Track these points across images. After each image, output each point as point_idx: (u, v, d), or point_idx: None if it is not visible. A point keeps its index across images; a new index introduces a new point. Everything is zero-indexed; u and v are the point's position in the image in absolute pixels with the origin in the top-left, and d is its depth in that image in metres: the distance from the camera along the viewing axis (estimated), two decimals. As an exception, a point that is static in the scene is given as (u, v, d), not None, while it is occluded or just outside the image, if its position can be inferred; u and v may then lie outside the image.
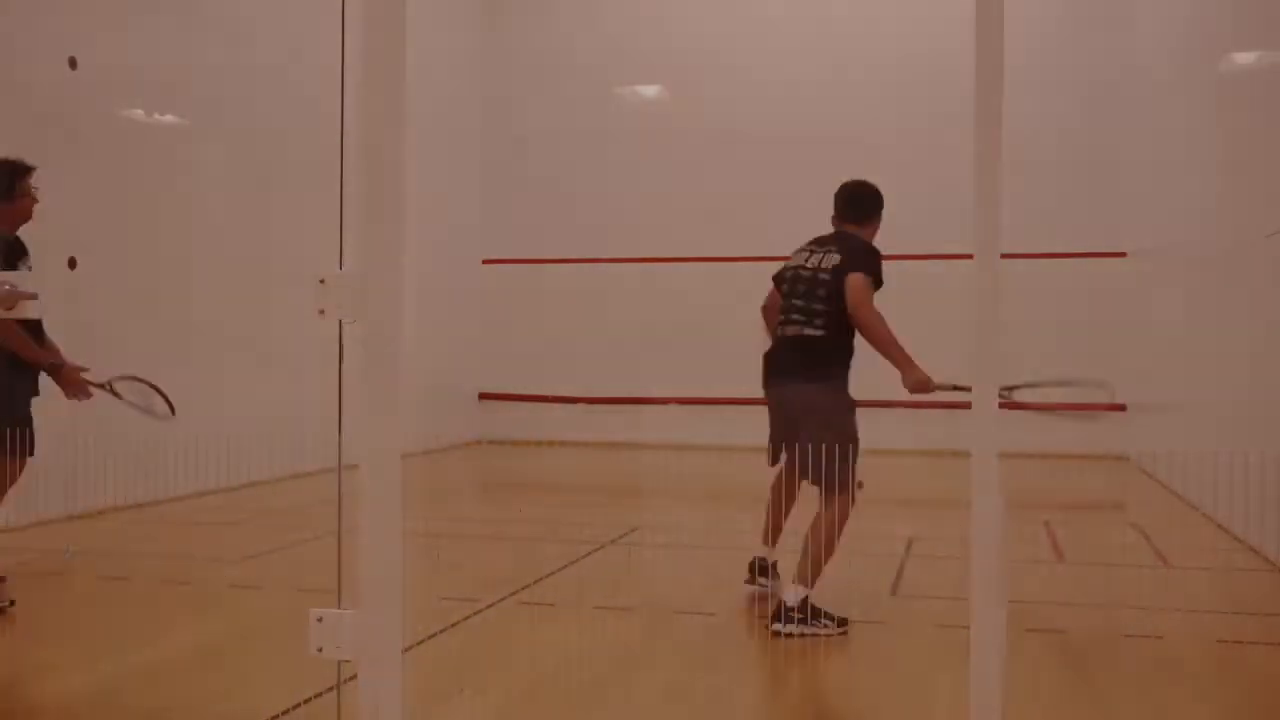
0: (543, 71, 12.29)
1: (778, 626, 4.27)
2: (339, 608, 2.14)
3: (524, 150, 12.33)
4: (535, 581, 5.19)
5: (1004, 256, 2.17)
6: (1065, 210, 10.80)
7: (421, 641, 4.06)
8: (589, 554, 5.89)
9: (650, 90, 12.27)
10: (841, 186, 4.79)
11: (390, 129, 2.11)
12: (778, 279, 4.83)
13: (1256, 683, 3.88)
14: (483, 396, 12.35)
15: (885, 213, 4.81)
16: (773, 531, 4.94)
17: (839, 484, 4.39)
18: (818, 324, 4.52)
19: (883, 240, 4.74)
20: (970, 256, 2.18)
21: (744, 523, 7.26)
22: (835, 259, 4.54)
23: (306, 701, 3.34)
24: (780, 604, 4.32)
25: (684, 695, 3.66)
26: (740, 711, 3.55)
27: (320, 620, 2.13)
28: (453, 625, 4.37)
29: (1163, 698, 3.61)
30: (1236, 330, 6.67)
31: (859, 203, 4.75)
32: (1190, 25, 8.33)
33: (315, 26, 3.86)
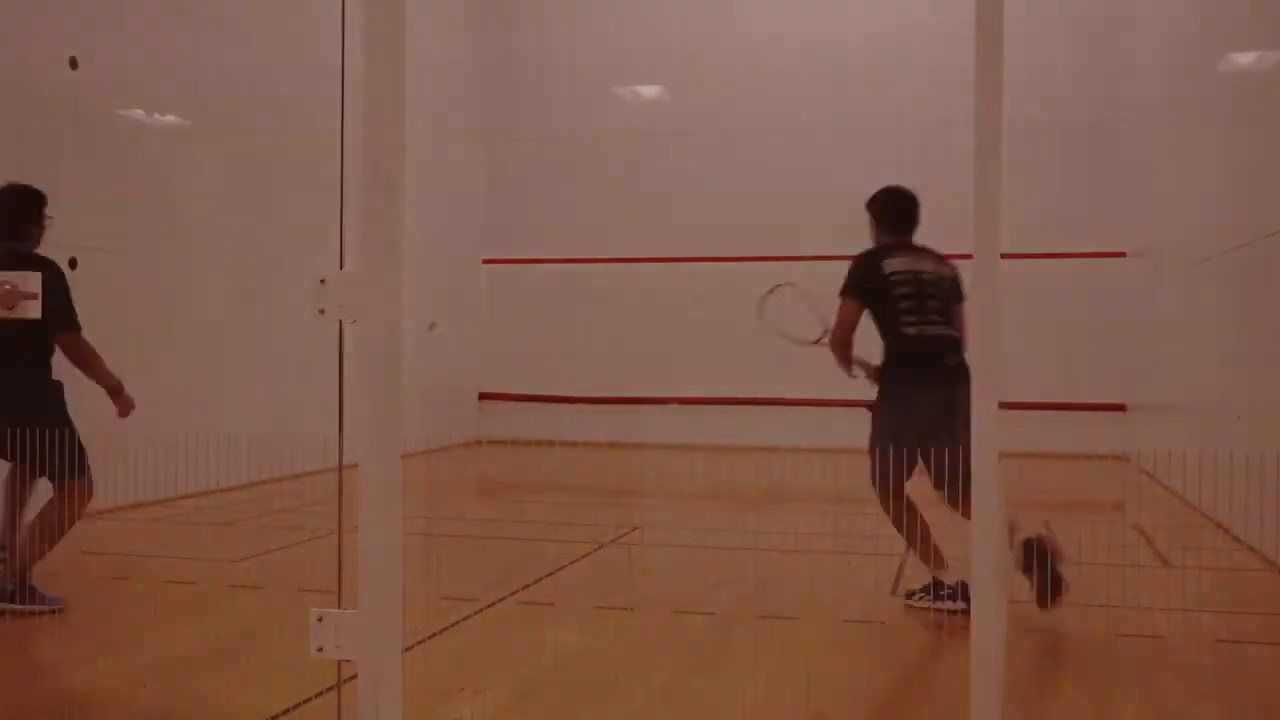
0: (542, 71, 12.28)
1: None
2: (339, 608, 2.14)
3: (523, 150, 12.33)
4: (535, 581, 5.19)
5: (1004, 256, 2.17)
6: (1065, 210, 10.80)
7: (421, 641, 4.06)
8: (589, 554, 5.89)
9: (650, 90, 12.26)
10: (908, 197, 5.10)
11: (390, 129, 2.11)
12: (885, 281, 4.79)
13: (1256, 682, 3.88)
14: (483, 396, 12.35)
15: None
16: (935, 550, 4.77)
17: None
18: (956, 326, 4.79)
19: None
20: (970, 256, 2.18)
21: (744, 522, 7.28)
22: (946, 270, 4.86)
23: (306, 701, 3.34)
24: None
25: (684, 695, 3.66)
26: (740, 711, 3.55)
27: (320, 620, 2.13)
28: (453, 625, 4.37)
29: (1163, 698, 3.60)
30: (1236, 330, 6.67)
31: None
32: (1190, 25, 8.33)
33: (315, 26, 3.86)
